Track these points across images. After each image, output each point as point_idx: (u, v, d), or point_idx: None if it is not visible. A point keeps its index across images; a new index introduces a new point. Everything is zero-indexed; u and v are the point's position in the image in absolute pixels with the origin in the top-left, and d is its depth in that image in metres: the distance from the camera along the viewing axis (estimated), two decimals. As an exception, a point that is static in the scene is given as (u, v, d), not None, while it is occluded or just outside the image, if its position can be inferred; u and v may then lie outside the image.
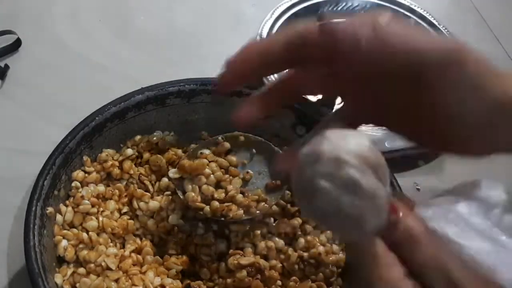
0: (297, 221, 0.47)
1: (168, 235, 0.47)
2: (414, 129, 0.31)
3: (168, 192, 0.48)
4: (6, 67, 0.61)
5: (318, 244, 0.45)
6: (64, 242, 0.44)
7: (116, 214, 0.47)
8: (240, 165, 0.46)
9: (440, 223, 0.42)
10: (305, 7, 0.70)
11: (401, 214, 0.27)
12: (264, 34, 0.65)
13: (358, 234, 0.27)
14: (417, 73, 0.28)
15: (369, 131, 0.55)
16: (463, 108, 0.29)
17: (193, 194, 0.44)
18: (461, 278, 0.25)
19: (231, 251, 0.45)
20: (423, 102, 0.29)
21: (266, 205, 0.44)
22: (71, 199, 0.46)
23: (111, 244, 0.45)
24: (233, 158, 0.46)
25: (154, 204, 0.47)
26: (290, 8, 0.69)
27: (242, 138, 0.47)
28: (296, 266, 0.45)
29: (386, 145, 0.54)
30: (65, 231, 0.44)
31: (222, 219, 0.44)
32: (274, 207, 0.47)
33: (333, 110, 0.47)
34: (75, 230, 0.45)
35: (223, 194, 0.44)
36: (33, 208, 0.42)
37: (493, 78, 0.30)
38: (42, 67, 0.63)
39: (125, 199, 0.48)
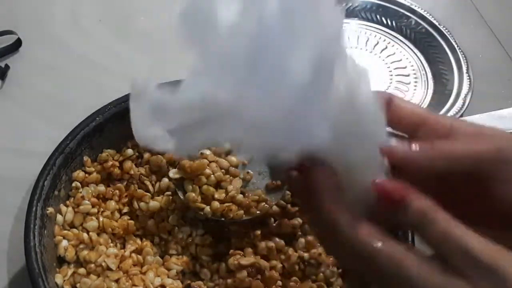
0: (297, 221, 0.47)
1: (168, 235, 0.47)
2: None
3: (169, 193, 0.48)
4: (6, 67, 0.61)
5: (318, 244, 0.45)
6: (64, 242, 0.44)
7: (117, 215, 0.47)
8: (240, 165, 0.46)
9: None
10: (305, 7, 0.70)
11: (407, 197, 0.27)
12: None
13: None
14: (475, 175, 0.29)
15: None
16: None
17: (193, 194, 0.45)
18: (477, 247, 0.25)
19: (231, 251, 0.45)
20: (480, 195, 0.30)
21: (266, 205, 0.45)
22: (72, 199, 0.46)
23: (111, 244, 0.45)
24: (233, 158, 0.46)
25: (154, 204, 0.47)
26: (290, 8, 0.69)
27: (242, 138, 0.47)
28: (297, 266, 0.45)
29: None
30: (65, 231, 0.44)
31: (223, 219, 0.44)
32: (274, 207, 0.47)
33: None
34: (75, 230, 0.45)
35: (224, 195, 0.45)
36: (34, 209, 0.42)
37: None
38: (42, 67, 0.63)
39: (126, 200, 0.48)
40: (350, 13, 0.72)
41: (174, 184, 0.46)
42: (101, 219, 0.45)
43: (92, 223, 0.45)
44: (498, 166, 0.29)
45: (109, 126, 0.48)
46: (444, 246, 0.26)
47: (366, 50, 0.69)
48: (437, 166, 0.29)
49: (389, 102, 0.30)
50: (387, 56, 0.68)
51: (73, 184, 0.46)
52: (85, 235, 0.44)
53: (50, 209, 0.43)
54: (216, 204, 0.44)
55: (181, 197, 0.45)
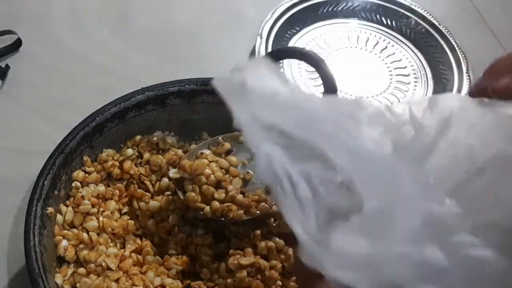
0: (297, 221, 0.47)
1: (168, 235, 0.47)
2: None
3: (168, 192, 0.48)
4: (7, 67, 0.61)
5: (318, 244, 0.45)
6: (64, 242, 0.44)
7: (116, 214, 0.47)
8: (240, 165, 0.46)
9: None
10: (305, 7, 0.70)
11: None
12: (264, 34, 0.65)
13: None
14: None
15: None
16: None
17: (193, 194, 0.44)
18: None
19: (231, 251, 0.45)
20: None
21: (266, 205, 0.44)
22: (72, 199, 0.46)
23: (111, 244, 0.45)
24: (233, 158, 0.46)
25: (154, 204, 0.47)
26: (290, 8, 0.69)
27: (242, 138, 0.47)
28: (296, 266, 0.45)
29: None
30: (65, 231, 0.44)
31: (222, 219, 0.44)
32: (274, 207, 0.46)
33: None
34: (75, 230, 0.45)
35: (223, 194, 0.44)
36: (33, 208, 0.42)
37: None
38: (42, 67, 0.63)
39: (125, 199, 0.48)
40: (350, 13, 0.72)
41: (174, 184, 0.46)
42: (101, 219, 0.45)
43: (92, 223, 0.45)
44: None
45: (109, 126, 0.48)
46: None
47: (366, 50, 0.69)
48: None
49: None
50: (387, 56, 0.68)
51: (73, 184, 0.46)
52: (85, 235, 0.44)
53: (50, 209, 0.43)
54: (216, 204, 0.44)
55: (181, 197, 0.45)
